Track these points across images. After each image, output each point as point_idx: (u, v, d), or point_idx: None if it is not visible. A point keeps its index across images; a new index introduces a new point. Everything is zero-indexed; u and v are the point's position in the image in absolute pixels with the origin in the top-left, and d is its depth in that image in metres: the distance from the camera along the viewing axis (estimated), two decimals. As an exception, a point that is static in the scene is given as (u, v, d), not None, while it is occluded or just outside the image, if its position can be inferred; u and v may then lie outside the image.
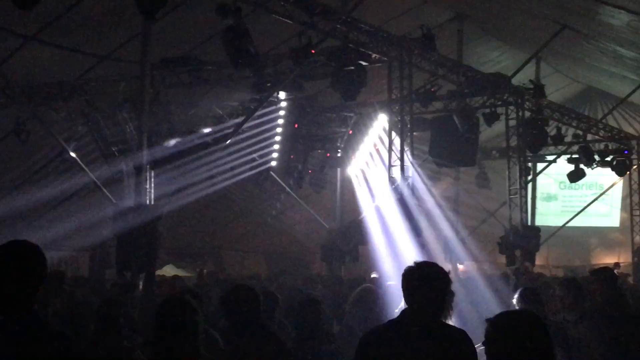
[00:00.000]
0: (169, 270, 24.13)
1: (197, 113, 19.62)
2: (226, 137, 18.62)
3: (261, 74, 16.26)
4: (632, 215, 28.33)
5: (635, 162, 27.91)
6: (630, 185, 28.70)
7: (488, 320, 4.32)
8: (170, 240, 25.39)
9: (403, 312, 5.37)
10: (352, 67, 14.86)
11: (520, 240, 20.80)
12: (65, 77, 18.41)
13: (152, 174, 15.93)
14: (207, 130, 19.26)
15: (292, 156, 22.73)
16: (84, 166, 19.44)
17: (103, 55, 18.39)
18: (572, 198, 35.46)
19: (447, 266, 28.69)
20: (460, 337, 5.28)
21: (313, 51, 14.68)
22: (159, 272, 19.04)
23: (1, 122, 18.97)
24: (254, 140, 21.54)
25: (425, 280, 5.27)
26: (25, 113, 18.60)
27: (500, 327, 4.29)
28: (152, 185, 15.68)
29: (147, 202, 15.28)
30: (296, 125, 20.14)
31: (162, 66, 17.19)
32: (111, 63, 18.52)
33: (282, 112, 20.41)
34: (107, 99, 18.55)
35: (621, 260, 34.17)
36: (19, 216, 20.12)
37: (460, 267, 29.85)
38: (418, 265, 5.43)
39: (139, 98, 15.34)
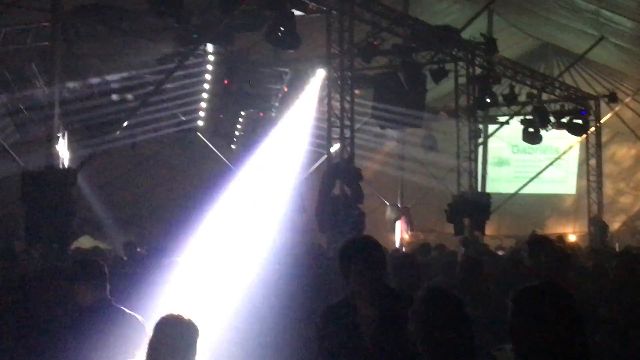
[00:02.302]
0: (84, 242, 23.79)
1: (115, 68, 19.27)
2: (147, 95, 18.34)
3: (186, 25, 16.00)
4: (588, 181, 28.73)
5: (592, 123, 28.29)
6: (587, 149, 29.09)
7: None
8: (87, 209, 25.07)
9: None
10: (287, 17, 14.72)
11: (469, 208, 20.96)
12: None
13: (66, 136, 15.67)
14: (125, 87, 18.96)
15: (221, 116, 22.52)
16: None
17: (8, 3, 17.91)
18: (526, 163, 35.83)
19: (391, 236, 29.06)
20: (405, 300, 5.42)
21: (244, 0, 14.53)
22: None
23: None
24: (178, 97, 21.32)
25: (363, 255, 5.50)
26: None
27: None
28: (66, 148, 15.42)
29: (60, 166, 15.02)
30: (226, 82, 19.90)
31: (75, 15, 16.81)
32: (18, 11, 18.05)
33: (209, 67, 20.12)
34: (14, 51, 18.13)
35: (577, 229, 34.80)
36: None
37: (406, 237, 30.09)
38: (354, 240, 5.72)
39: (49, 51, 15.02)
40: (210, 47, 19.38)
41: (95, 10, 16.96)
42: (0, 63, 18.20)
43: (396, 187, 30.48)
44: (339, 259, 5.63)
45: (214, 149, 23.52)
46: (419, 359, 4.57)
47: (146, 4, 13.68)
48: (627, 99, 32.63)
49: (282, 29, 14.69)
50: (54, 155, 14.77)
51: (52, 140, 14.85)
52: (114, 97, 18.77)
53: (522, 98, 26.01)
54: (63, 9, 15.25)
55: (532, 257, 8.57)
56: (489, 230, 23.43)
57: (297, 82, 21.27)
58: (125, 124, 17.62)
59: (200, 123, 21.61)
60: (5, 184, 20.99)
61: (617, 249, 20.62)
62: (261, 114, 21.78)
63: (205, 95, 20.95)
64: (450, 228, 22.12)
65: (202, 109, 21.03)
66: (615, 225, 33.40)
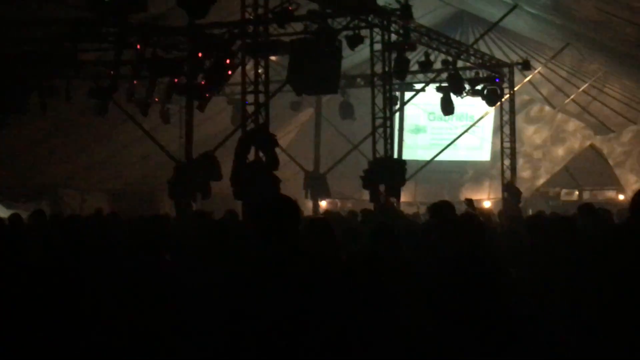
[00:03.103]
0: (-1, 212, 23.40)
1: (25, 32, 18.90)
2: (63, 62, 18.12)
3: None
4: (502, 148, 29.18)
5: (506, 91, 28.69)
6: (502, 116, 29.52)
7: None
8: (0, 178, 24.66)
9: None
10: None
11: (385, 175, 21.07)
12: None
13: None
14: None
15: (134, 82, 22.27)
16: None
17: None
18: (442, 130, 36.26)
19: (307, 203, 29.17)
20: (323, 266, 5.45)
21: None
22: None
23: None
24: (93, 63, 21.02)
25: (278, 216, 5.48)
26: None
27: None
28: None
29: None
30: (138, 47, 19.61)
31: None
32: None
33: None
34: None
35: (491, 196, 35.43)
36: None
37: (322, 204, 30.22)
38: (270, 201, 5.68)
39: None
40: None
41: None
42: None
43: (312, 154, 30.54)
44: (254, 217, 5.60)
45: (129, 116, 23.22)
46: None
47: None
48: (540, 67, 33.21)
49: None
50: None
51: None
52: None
53: (438, 65, 26.22)
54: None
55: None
56: (405, 197, 23.68)
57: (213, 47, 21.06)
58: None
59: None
60: None
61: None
62: (176, 81, 21.51)
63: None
64: (366, 195, 22.25)
65: (116, 76, 20.72)
66: (527, 192, 34.07)
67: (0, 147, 23.38)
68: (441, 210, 9.99)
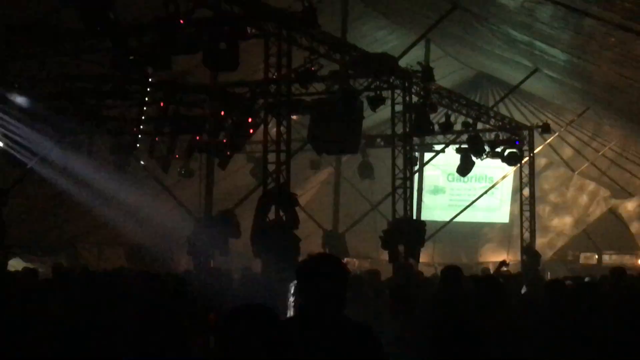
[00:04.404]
0: (15, 264, 23.43)
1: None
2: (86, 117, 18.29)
3: (122, 47, 15.86)
4: (521, 210, 29.11)
5: (526, 153, 28.71)
6: (521, 179, 29.49)
7: None
8: (17, 231, 24.70)
9: (301, 308, 5.42)
10: (225, 41, 14.72)
11: (404, 235, 21.05)
12: None
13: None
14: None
15: (157, 138, 22.44)
16: None
17: None
18: (460, 191, 36.25)
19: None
20: (365, 331, 5.37)
21: (181, 21, 14.45)
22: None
23: None
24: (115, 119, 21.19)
25: (323, 275, 5.35)
26: None
27: None
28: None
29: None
30: (162, 104, 19.79)
31: (9, 34, 16.56)
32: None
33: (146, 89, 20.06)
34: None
35: (510, 258, 35.19)
36: None
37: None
38: (313, 258, 5.53)
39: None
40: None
41: (32, 29, 16.70)
42: None
43: (331, 213, 30.52)
44: (298, 275, 5.47)
45: (150, 172, 23.35)
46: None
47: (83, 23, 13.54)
48: (560, 130, 33.23)
49: (219, 54, 14.70)
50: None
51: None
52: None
53: (458, 127, 26.29)
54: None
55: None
56: (423, 257, 23.55)
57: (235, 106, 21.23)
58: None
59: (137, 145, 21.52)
60: None
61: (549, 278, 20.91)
62: (198, 138, 21.64)
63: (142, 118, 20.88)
64: (384, 255, 22.19)
65: (139, 132, 20.91)
66: (547, 254, 33.91)
67: (19, 201, 23.49)
68: (449, 276, 10.04)
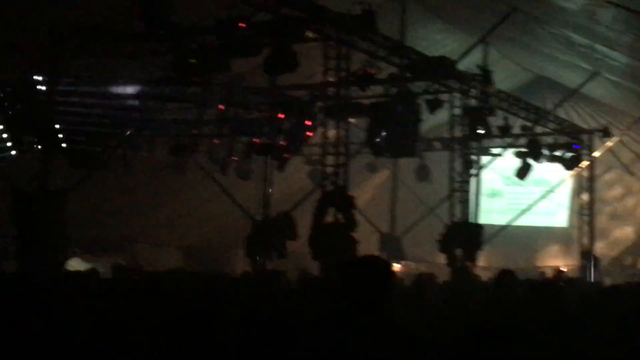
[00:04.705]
0: (74, 264, 23.73)
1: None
2: (143, 120, 18.52)
3: (182, 50, 16.04)
4: (580, 214, 28.80)
5: (585, 157, 28.39)
6: (580, 183, 29.18)
7: None
8: (77, 231, 25.04)
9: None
10: (285, 45, 14.81)
11: (462, 239, 20.98)
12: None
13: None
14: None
15: (216, 141, 22.66)
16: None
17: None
18: (518, 195, 35.93)
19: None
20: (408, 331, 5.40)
21: (242, 25, 14.57)
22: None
23: None
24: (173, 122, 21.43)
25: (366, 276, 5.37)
26: None
27: None
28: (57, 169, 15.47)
29: (52, 187, 15.05)
30: (221, 107, 19.98)
31: (70, 37, 16.80)
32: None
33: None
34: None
35: (568, 262, 34.80)
36: None
37: (397, 266, 30.06)
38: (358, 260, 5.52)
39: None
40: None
41: (92, 32, 16.93)
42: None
43: (388, 216, 30.47)
44: (341, 275, 5.49)
45: (208, 173, 23.53)
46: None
47: (143, 27, 13.72)
48: (620, 135, 32.79)
49: (278, 57, 14.80)
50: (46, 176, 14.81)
51: (45, 161, 14.91)
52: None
53: (516, 130, 26.09)
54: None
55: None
56: (480, 261, 23.43)
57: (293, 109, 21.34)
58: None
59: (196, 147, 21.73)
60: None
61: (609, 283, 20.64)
62: (256, 140, 21.80)
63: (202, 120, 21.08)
64: (441, 258, 22.14)
65: (197, 134, 21.12)
66: (606, 258, 33.45)
67: (79, 201, 23.82)
68: (503, 280, 9.98)
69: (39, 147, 16.87)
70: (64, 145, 18.42)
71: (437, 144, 28.87)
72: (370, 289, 5.32)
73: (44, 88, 17.67)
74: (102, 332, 8.39)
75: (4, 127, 18.24)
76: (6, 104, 18.09)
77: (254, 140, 21.73)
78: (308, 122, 19.44)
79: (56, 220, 15.45)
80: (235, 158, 24.41)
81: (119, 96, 19.12)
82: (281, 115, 19.60)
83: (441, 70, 20.19)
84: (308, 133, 20.06)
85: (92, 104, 19.09)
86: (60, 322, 8.57)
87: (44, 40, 15.06)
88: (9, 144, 18.67)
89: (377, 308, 5.35)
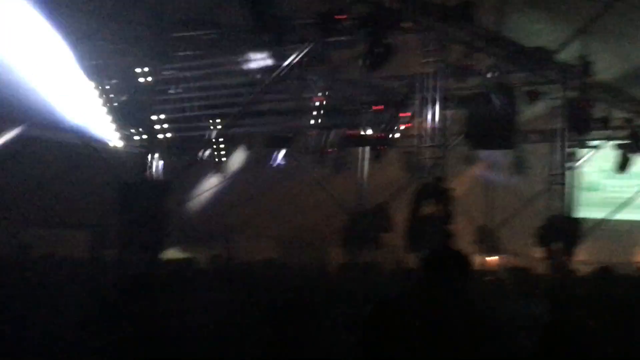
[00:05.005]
0: (171, 254, 24.18)
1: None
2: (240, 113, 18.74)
3: (283, 41, 16.19)
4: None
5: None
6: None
7: None
8: (176, 221, 25.53)
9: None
10: (383, 37, 14.84)
11: (559, 233, 20.74)
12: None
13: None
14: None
15: (312, 132, 22.80)
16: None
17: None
18: (617, 189, 35.26)
19: (477, 258, 28.86)
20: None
21: (340, 17, 14.66)
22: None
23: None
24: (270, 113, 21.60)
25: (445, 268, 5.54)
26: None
27: None
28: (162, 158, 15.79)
29: (157, 176, 15.38)
30: (318, 98, 20.09)
31: (177, 29, 17.09)
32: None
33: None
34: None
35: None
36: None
37: (492, 259, 29.87)
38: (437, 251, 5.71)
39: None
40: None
41: (198, 24, 17.21)
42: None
43: (483, 208, 30.24)
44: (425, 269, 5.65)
45: (303, 165, 23.70)
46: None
47: (246, 20, 13.92)
48: None
49: (376, 50, 14.84)
50: (150, 166, 15.12)
51: (147, 152, 15.21)
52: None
53: (617, 122, 25.63)
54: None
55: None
56: (579, 255, 23.14)
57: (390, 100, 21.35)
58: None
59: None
60: (98, 193, 21.53)
61: None
62: (351, 131, 21.87)
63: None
64: (538, 252, 21.94)
65: (293, 125, 21.27)
66: None
67: (179, 192, 24.25)
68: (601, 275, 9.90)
69: (143, 138, 17.27)
70: (166, 135, 18.78)
71: (534, 136, 28.50)
72: (449, 281, 5.45)
73: (149, 79, 18.09)
74: (199, 321, 8.56)
75: (108, 119, 18.60)
76: (111, 95, 18.49)
77: (350, 131, 21.78)
78: (404, 114, 19.41)
79: (158, 210, 15.78)
80: (331, 150, 24.51)
81: (220, 87, 19.35)
82: (378, 107, 19.62)
83: (540, 61, 19.98)
84: (404, 124, 20.03)
85: (194, 96, 19.35)
86: (159, 310, 8.76)
87: (150, 31, 15.37)
88: (113, 135, 19.05)
89: (457, 299, 5.44)
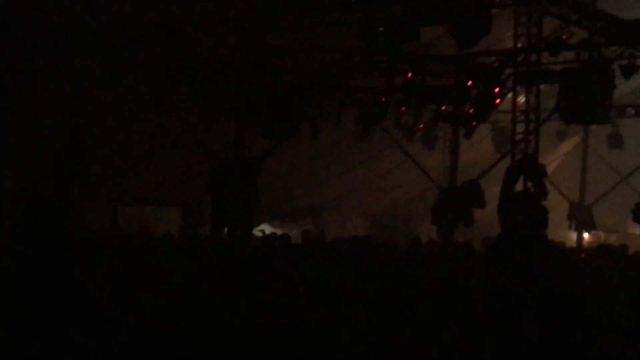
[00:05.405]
0: (263, 230, 24.45)
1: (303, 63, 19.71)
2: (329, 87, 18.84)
3: (371, 19, 16.16)
4: None
5: None
6: None
7: None
8: (268, 197, 25.80)
9: None
10: (474, 11, 14.71)
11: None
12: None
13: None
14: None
15: (402, 108, 22.78)
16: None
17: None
18: None
19: (571, 235, 28.56)
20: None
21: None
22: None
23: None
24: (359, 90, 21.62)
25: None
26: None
27: None
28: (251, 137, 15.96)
29: (246, 154, 15.57)
30: (410, 75, 20.03)
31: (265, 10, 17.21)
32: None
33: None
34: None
35: None
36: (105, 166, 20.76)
37: (585, 236, 29.51)
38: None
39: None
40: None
41: (286, 4, 17.29)
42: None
43: (578, 185, 29.84)
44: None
45: (395, 141, 23.70)
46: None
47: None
48: None
49: (469, 25, 14.72)
50: (242, 144, 15.33)
51: (238, 130, 15.45)
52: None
53: None
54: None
55: None
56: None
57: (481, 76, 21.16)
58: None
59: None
60: (193, 171, 21.91)
61: None
62: (442, 108, 21.77)
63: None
64: (635, 228, 21.60)
65: (385, 102, 21.27)
66: None
67: (269, 170, 24.47)
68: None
69: (233, 117, 17.44)
70: (255, 114, 18.92)
71: (631, 111, 27.97)
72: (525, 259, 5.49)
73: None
74: (289, 292, 8.70)
75: (200, 98, 18.82)
76: (200, 75, 18.72)
77: (441, 107, 21.68)
78: (496, 89, 19.22)
79: (249, 187, 15.98)
80: (422, 126, 24.44)
81: (310, 67, 19.45)
82: (469, 83, 19.46)
83: (637, 34, 19.56)
84: (496, 100, 19.83)
85: (284, 74, 19.47)
86: (251, 280, 8.95)
87: (242, 14, 15.56)
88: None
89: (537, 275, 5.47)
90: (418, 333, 7.61)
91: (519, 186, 16.89)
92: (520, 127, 17.95)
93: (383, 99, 20.97)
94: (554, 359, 5.71)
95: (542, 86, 19.06)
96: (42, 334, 5.35)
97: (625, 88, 24.37)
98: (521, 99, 18.96)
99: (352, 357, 7.23)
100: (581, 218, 28.52)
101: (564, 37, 17.81)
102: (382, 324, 7.74)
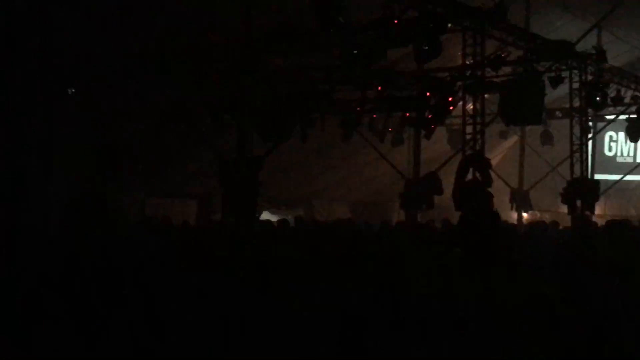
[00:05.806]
0: (266, 216, 24.52)
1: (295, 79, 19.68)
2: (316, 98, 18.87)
3: (349, 43, 16.21)
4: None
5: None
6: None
7: None
8: (267, 189, 25.81)
9: None
10: (429, 36, 14.82)
11: (581, 192, 20.56)
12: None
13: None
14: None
15: (375, 115, 22.93)
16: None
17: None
18: (629, 155, 34.65)
19: (512, 214, 28.69)
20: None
21: (394, 21, 14.67)
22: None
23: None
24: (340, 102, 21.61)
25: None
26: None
27: None
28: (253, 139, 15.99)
29: (249, 155, 15.61)
30: (380, 88, 20.12)
31: (267, 38, 17.20)
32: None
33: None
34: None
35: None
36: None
37: (525, 215, 29.68)
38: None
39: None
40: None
41: (286, 33, 17.26)
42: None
43: (517, 174, 30.00)
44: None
45: (369, 143, 23.75)
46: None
47: (318, 25, 14.04)
48: None
49: (425, 47, 14.84)
50: (246, 146, 15.37)
51: (244, 134, 15.50)
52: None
53: (627, 100, 25.18)
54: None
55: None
56: (597, 210, 22.97)
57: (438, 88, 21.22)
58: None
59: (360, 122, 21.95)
60: (206, 169, 21.94)
61: None
62: (407, 115, 21.84)
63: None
64: (563, 208, 21.78)
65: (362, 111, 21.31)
66: None
67: (270, 167, 24.46)
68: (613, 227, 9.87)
69: (238, 124, 17.45)
70: (256, 121, 18.93)
71: (558, 113, 28.16)
72: (482, 232, 5.54)
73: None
74: (289, 267, 8.77)
75: (211, 110, 18.82)
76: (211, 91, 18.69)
77: (406, 114, 21.75)
78: (450, 98, 19.30)
79: (253, 181, 16.01)
80: (391, 129, 24.55)
81: (301, 82, 19.44)
82: (428, 94, 19.54)
83: (561, 51, 19.71)
84: (450, 107, 19.91)
85: (281, 90, 19.43)
86: (257, 260, 8.98)
87: (244, 39, 15.60)
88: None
89: (490, 248, 5.54)
90: (399, 289, 7.72)
91: (469, 176, 16.98)
92: (469, 129, 18.06)
93: (359, 108, 21.01)
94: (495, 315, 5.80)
95: (486, 95, 19.20)
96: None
97: (554, 95, 24.55)
98: (469, 106, 19.08)
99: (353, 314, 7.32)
100: (520, 201, 28.73)
101: (503, 55, 17.96)
102: (370, 283, 7.85)
